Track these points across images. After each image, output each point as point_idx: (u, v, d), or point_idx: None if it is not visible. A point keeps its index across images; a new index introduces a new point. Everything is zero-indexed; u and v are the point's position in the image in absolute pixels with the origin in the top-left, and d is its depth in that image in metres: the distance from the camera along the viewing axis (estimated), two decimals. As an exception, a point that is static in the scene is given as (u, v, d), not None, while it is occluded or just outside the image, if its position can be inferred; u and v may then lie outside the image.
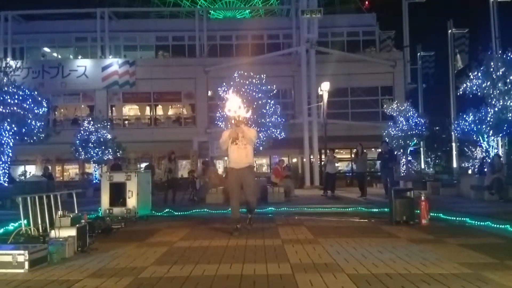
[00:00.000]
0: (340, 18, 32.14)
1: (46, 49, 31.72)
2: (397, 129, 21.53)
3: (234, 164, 6.83)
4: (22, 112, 16.45)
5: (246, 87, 18.90)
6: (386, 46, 31.01)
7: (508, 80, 14.26)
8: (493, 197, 12.57)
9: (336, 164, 17.58)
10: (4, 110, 16.03)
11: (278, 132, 18.40)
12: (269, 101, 19.41)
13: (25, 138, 17.08)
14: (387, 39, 31.08)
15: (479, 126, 14.92)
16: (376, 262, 4.49)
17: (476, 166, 24.31)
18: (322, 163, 24.96)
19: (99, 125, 22.74)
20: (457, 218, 7.85)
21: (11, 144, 16.72)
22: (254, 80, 19.10)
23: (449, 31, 28.46)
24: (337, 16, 33.17)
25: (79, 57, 30.93)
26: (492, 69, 14.42)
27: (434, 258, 4.64)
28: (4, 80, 16.74)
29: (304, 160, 26.41)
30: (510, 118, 14.08)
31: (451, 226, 7.25)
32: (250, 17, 42.67)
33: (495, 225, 6.90)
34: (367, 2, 34.18)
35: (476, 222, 7.37)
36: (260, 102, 18.68)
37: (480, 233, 6.48)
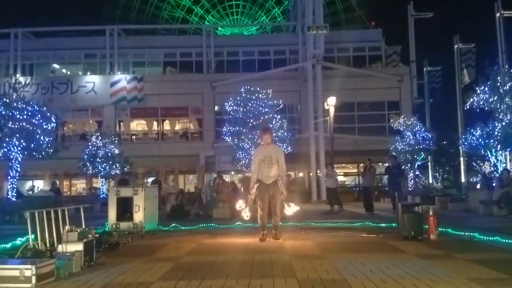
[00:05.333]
0: (346, 34, 32.37)
1: (56, 66, 32.18)
2: (404, 143, 21.45)
3: (264, 179, 7.54)
4: (31, 128, 16.62)
5: (252, 102, 19.02)
6: (392, 61, 31.13)
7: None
8: (502, 212, 12.43)
9: (337, 178, 17.42)
10: (13, 126, 16.21)
11: (284, 147, 18.40)
12: (275, 116, 19.48)
13: (34, 153, 17.20)
14: (393, 54, 31.21)
15: (486, 141, 14.83)
16: (384, 278, 4.44)
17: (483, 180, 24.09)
18: (318, 176, 24.94)
19: (107, 140, 22.85)
20: (466, 233, 7.76)
21: (19, 159, 16.85)
22: (260, 95, 19.21)
23: (456, 46, 28.54)
24: (343, 31, 33.44)
25: (88, 73, 31.35)
26: (499, 84, 14.39)
27: (443, 274, 4.59)
28: (14, 96, 16.96)
29: (311, 174, 26.35)
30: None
31: (460, 241, 7.18)
32: (256, 33, 43.10)
33: (504, 240, 6.82)
34: (373, 23, 34.37)
35: (485, 237, 7.28)
36: (266, 117, 18.77)
37: (489, 248, 6.40)
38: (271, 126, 17.75)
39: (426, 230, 7.20)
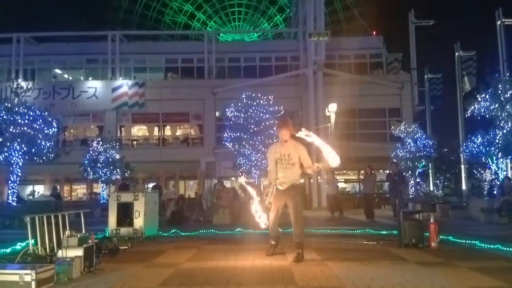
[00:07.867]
0: (347, 41, 32.43)
1: (57, 71, 32.26)
2: (405, 150, 21.44)
3: (278, 183, 6.29)
4: (32, 132, 16.65)
5: (253, 108, 19.07)
6: (393, 68, 31.19)
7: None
8: (503, 220, 12.40)
9: (338, 185, 17.42)
10: (14, 130, 16.25)
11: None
12: (276, 122, 19.55)
13: (35, 158, 17.23)
14: (394, 61, 31.27)
15: (487, 148, 14.84)
16: (385, 286, 4.43)
17: (484, 188, 24.05)
18: (319, 183, 24.90)
19: (108, 145, 22.87)
20: (467, 241, 7.74)
21: (20, 164, 16.87)
22: (261, 101, 19.27)
23: (457, 53, 28.57)
24: (344, 38, 33.48)
25: (90, 78, 31.42)
26: (500, 92, 14.41)
27: (443, 282, 4.57)
28: (15, 101, 17.01)
29: (311, 181, 26.32)
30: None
31: (460, 249, 7.15)
32: (258, 40, 43.25)
33: (505, 248, 6.79)
34: (375, 32, 34.44)
35: (486, 245, 7.26)
36: (267, 123, 18.80)
37: (490, 256, 6.38)
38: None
39: (427, 238, 7.17)
